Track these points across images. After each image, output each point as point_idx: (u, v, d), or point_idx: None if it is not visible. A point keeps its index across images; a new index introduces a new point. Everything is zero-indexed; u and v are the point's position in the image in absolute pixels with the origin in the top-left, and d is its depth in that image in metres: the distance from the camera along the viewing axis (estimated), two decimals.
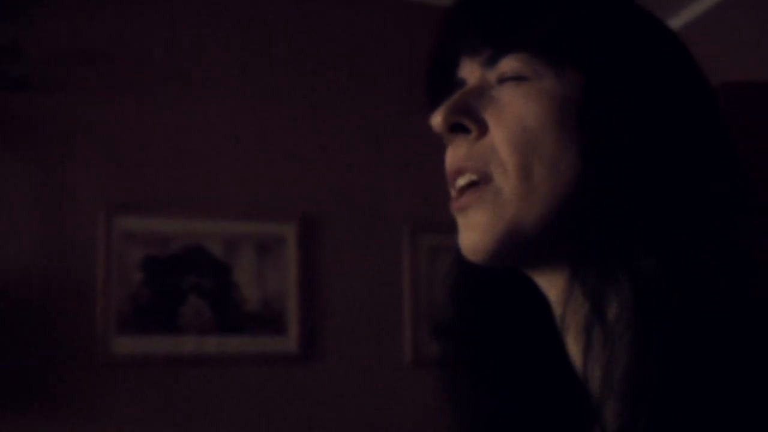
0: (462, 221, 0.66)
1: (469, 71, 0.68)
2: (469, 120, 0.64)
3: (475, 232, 0.64)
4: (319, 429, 2.44)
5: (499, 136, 0.63)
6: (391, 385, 2.53)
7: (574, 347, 0.64)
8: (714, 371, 0.52)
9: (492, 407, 0.69)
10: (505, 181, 0.62)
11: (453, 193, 0.66)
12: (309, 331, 2.47)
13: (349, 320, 2.53)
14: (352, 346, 2.52)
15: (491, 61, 0.65)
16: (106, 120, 2.40)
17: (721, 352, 0.53)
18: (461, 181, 0.65)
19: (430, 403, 2.84)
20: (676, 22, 2.69)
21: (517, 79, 0.64)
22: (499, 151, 0.63)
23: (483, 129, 0.64)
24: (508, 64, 0.64)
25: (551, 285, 0.65)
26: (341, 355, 2.51)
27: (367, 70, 2.68)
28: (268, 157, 2.54)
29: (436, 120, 0.65)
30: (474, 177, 0.64)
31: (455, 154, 0.66)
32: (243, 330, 2.41)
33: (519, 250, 0.63)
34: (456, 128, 0.65)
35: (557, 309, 0.65)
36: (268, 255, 2.47)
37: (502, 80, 0.65)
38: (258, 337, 2.43)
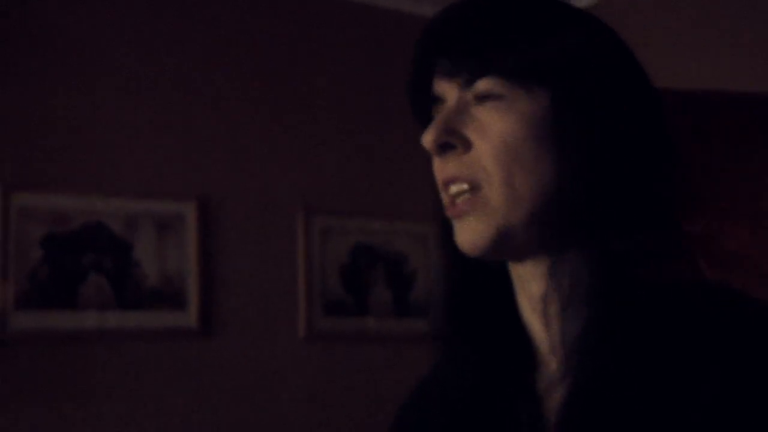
0: (458, 225, 0.77)
1: (446, 89, 0.77)
2: (455, 138, 0.74)
3: (471, 235, 0.75)
4: (216, 401, 2.54)
5: (483, 151, 0.73)
6: (286, 359, 2.66)
7: (554, 318, 0.75)
8: (666, 330, 0.68)
9: (467, 369, 0.81)
10: (491, 191, 0.73)
11: (445, 198, 0.77)
12: (208, 307, 2.56)
13: (247, 297, 2.63)
14: (249, 322, 2.63)
15: (469, 83, 0.75)
16: (1, 95, 2.38)
17: (671, 314, 0.68)
18: (453, 189, 0.75)
19: (321, 375, 2.99)
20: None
21: (493, 97, 0.73)
22: (485, 164, 0.73)
23: (467, 145, 0.74)
24: (485, 85, 0.74)
25: (532, 271, 0.76)
26: (239, 330, 2.61)
27: (265, 56, 2.77)
28: (168, 138, 2.59)
29: (427, 140, 0.75)
30: (465, 186, 0.74)
31: (446, 166, 0.75)
32: (143, 306, 2.47)
33: (509, 245, 0.75)
34: (444, 146, 0.75)
35: (534, 290, 0.77)
36: (167, 233, 2.53)
37: (479, 98, 0.74)
38: (158, 312, 2.49)
